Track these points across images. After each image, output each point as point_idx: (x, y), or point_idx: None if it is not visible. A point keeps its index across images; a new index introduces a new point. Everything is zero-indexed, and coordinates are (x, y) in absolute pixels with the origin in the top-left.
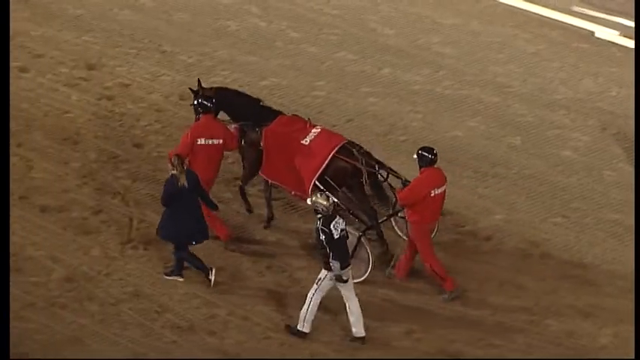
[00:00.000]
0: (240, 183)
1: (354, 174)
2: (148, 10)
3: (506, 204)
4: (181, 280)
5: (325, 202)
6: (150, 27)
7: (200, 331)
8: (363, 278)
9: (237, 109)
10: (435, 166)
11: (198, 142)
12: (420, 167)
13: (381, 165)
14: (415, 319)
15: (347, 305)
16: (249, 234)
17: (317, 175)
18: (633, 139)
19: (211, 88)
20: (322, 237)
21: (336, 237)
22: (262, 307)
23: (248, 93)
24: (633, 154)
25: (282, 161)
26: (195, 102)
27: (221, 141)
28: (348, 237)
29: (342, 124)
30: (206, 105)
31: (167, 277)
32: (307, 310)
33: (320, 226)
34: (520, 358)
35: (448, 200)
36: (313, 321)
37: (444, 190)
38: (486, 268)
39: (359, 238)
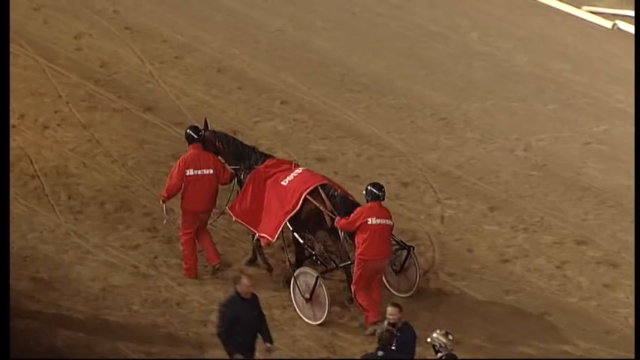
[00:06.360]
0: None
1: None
2: None
3: None
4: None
5: (445, 340)
6: None
7: None
8: (322, 320)
9: (231, 153)
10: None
11: (188, 174)
12: (367, 202)
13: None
14: None
15: None
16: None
17: (288, 217)
18: None
19: (212, 131)
20: None
21: None
22: None
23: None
24: None
25: (256, 202)
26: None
27: (212, 171)
28: None
29: None
30: (192, 135)
31: None
32: None
33: None
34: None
35: None
36: None
37: (388, 227)
38: None
39: (317, 279)
